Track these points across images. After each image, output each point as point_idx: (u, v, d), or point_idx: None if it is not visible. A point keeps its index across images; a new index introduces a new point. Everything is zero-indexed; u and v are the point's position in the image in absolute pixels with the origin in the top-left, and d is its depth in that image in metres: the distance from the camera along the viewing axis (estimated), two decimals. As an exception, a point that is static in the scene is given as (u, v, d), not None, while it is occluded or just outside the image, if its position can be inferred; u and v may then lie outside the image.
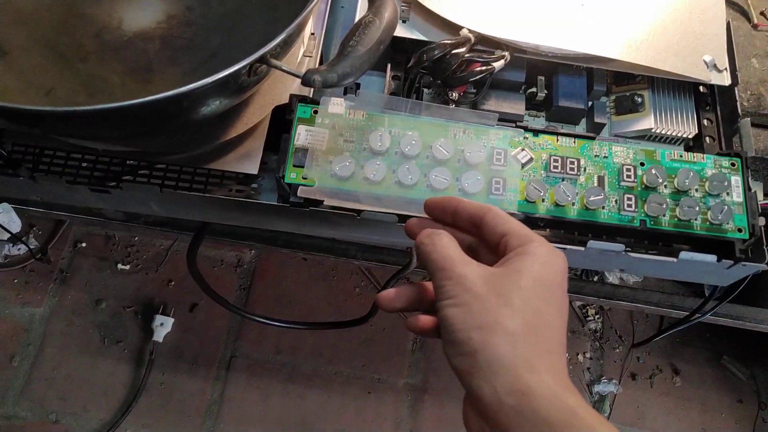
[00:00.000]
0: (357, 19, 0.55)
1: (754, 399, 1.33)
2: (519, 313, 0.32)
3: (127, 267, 1.26)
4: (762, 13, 0.72)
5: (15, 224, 0.89)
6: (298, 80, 0.52)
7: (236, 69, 0.39)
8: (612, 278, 1.27)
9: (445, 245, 0.35)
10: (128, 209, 0.55)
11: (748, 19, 0.72)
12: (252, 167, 0.50)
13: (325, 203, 0.48)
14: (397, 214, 0.50)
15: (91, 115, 0.39)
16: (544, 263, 0.33)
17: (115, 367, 1.16)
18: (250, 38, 0.51)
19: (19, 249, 1.23)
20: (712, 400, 1.33)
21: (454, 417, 1.22)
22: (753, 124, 0.67)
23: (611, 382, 1.32)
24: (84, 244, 1.28)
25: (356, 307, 1.31)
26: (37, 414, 1.13)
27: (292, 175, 0.49)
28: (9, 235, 0.87)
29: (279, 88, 0.52)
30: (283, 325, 1.01)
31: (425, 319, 0.36)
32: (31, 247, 1.22)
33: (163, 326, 1.19)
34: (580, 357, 1.34)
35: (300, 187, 0.48)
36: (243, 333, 1.24)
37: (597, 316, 1.39)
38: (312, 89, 0.52)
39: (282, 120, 0.51)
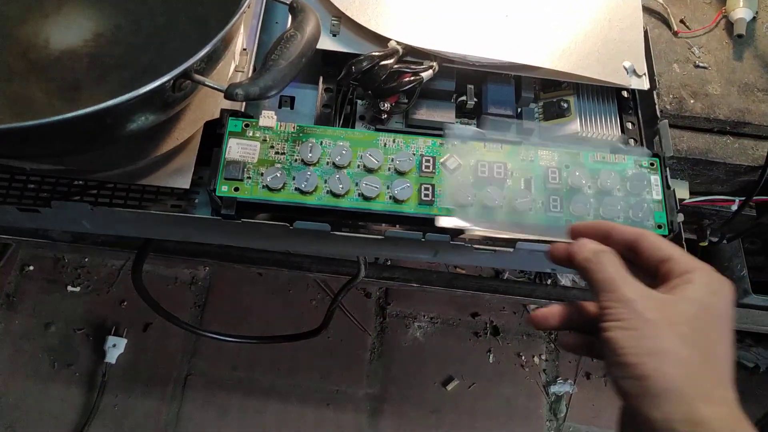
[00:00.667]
0: (288, 33, 0.56)
1: (702, 391, 1.37)
2: (692, 343, 0.32)
3: (78, 289, 1.24)
4: (681, 21, 0.76)
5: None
6: (230, 95, 0.53)
7: (158, 84, 0.39)
8: (564, 281, 1.30)
9: (611, 264, 0.35)
10: (61, 228, 0.55)
11: (669, 27, 0.75)
12: (184, 182, 0.50)
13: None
14: (331, 223, 0.51)
15: (12, 133, 0.39)
16: (714, 292, 0.33)
17: (67, 392, 1.14)
18: (181, 55, 0.52)
19: (-39, 275, 1.20)
20: (664, 395, 1.36)
21: (414, 425, 1.23)
22: (676, 126, 0.70)
23: (567, 383, 1.35)
24: (31, 267, 1.25)
25: (313, 319, 1.29)
26: (-17, 444, 1.10)
27: (223, 188, 0.50)
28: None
29: (210, 103, 0.52)
30: (236, 340, 1.01)
31: (578, 337, 0.38)
32: (-26, 272, 1.19)
33: (116, 347, 1.17)
34: (536, 359, 1.37)
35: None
36: (199, 350, 1.23)
37: (551, 319, 1.41)
38: (243, 103, 0.53)
39: (214, 134, 0.52)
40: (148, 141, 0.49)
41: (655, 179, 0.54)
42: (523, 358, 1.37)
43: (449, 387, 1.27)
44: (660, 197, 0.54)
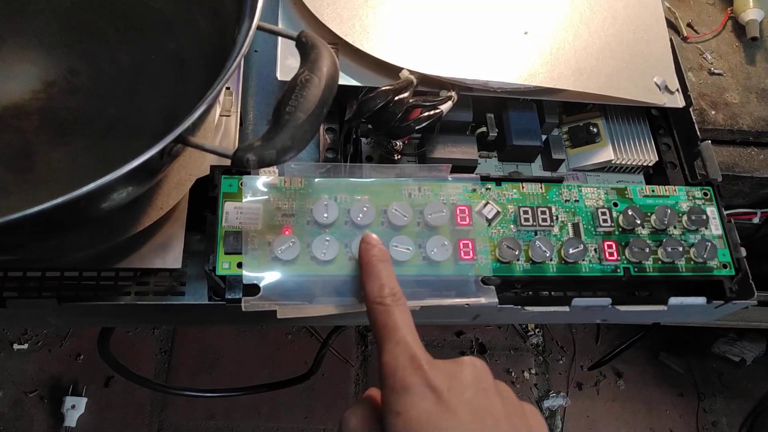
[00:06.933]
0: (278, 68, 0.47)
1: (693, 391, 1.35)
2: None
3: (25, 346, 1.10)
4: (689, 25, 0.70)
5: None
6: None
7: (147, 157, 0.30)
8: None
9: None
10: (21, 326, 0.44)
11: (678, 33, 0.70)
12: (173, 260, 0.41)
13: (278, 314, 0.40)
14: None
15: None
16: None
17: (22, 467, 1.02)
18: (155, 102, 0.42)
19: None
20: (655, 398, 1.33)
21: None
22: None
23: (559, 396, 1.30)
24: (-31, 327, 1.11)
25: (291, 355, 1.21)
26: None
27: (224, 265, 0.41)
28: None
29: (197, 159, 0.43)
30: (219, 394, 0.90)
31: None
32: None
33: (75, 408, 1.05)
34: (526, 374, 1.32)
35: (246, 301, 0.39)
36: (169, 401, 1.12)
37: (537, 330, 1.37)
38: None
39: (204, 195, 0.43)
40: (126, 214, 0.39)
41: (711, 211, 0.48)
42: (513, 374, 1.31)
43: (442, 414, 1.20)
44: (720, 232, 0.48)
